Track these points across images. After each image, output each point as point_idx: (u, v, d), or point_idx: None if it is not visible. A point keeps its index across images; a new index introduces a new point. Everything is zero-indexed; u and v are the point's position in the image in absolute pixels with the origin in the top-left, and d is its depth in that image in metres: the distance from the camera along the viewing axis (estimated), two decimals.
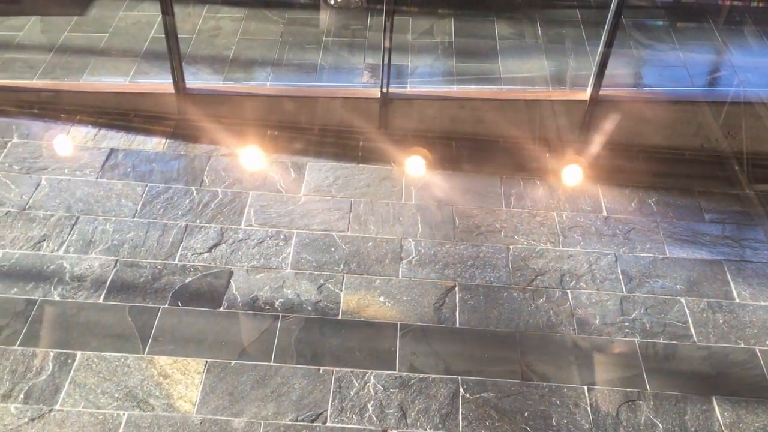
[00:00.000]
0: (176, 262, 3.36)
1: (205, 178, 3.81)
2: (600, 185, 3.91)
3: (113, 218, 3.54)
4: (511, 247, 3.54)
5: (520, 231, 3.62)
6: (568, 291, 3.34)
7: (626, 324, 3.20)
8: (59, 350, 2.93)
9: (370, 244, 3.52)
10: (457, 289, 3.32)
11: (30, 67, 4.43)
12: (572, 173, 3.95)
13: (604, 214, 3.75)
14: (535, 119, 4.12)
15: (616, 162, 4.08)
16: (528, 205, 3.77)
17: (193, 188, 3.75)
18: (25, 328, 3.00)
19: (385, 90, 4.05)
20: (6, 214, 3.50)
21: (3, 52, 4.54)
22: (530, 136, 4.15)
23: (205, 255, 3.40)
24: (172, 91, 4.10)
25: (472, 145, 4.14)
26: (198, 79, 4.33)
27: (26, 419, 2.69)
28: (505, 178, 3.93)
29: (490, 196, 3.82)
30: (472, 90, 4.31)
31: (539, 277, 3.40)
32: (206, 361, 2.95)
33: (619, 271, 3.45)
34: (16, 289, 3.16)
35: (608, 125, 4.13)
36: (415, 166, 3.97)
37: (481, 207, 3.75)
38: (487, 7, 5.21)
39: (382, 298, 3.26)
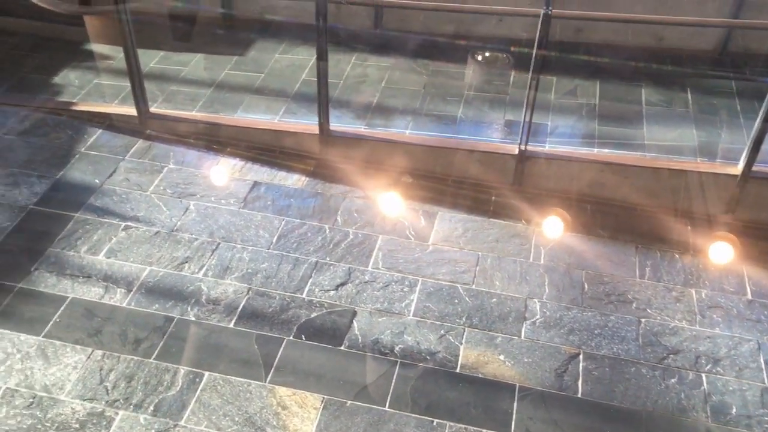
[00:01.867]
0: (304, 296, 3.46)
1: (338, 218, 3.93)
2: (745, 266, 3.68)
3: (250, 247, 3.71)
4: (642, 320, 3.38)
5: (654, 305, 3.46)
6: (703, 374, 3.14)
7: (767, 419, 2.96)
8: (189, 368, 3.08)
9: (495, 300, 3.48)
10: (581, 357, 3.21)
11: (191, 99, 4.78)
12: (715, 250, 3.74)
13: (749, 297, 3.51)
14: (678, 190, 3.95)
15: (766, 243, 3.84)
16: (664, 278, 3.60)
17: (326, 226, 3.88)
18: (162, 343, 3.19)
19: (523, 147, 4.04)
20: (156, 234, 3.76)
21: (169, 84, 4.95)
22: (672, 207, 3.98)
23: (332, 293, 3.49)
24: (317, 131, 4.29)
25: (609, 210, 4.03)
26: (341, 123, 4.51)
27: (153, 431, 2.85)
28: (641, 247, 3.78)
29: (624, 265, 3.68)
30: (613, 154, 4.21)
31: (672, 355, 3.22)
32: (323, 398, 3.00)
33: (762, 361, 3.20)
34: (157, 305, 3.37)
35: (760, 203, 3.89)
36: (547, 226, 3.91)
37: (613, 275, 3.62)
38: (636, 73, 5.12)
39: (502, 357, 3.20)
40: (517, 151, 4.11)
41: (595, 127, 4.57)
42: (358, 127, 4.53)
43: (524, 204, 4.10)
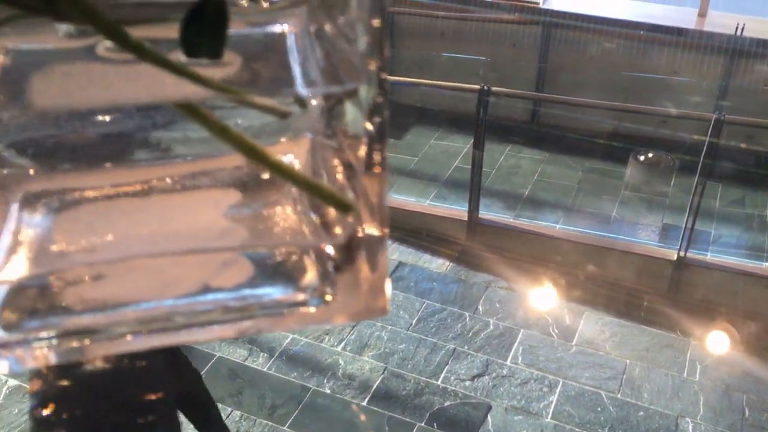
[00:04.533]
0: (439, 382, 3.40)
1: (479, 307, 3.87)
2: None
3: (389, 327, 3.73)
4: None
5: None
6: None
7: None
8: None
9: (642, 413, 3.24)
10: None
11: None
12: None
13: None
14: None
15: None
16: None
17: (467, 314, 3.83)
18: (296, 412, 3.23)
19: (682, 253, 3.84)
20: None
21: None
22: None
23: (467, 383, 3.40)
24: (465, 218, 4.30)
25: None
26: (490, 211, 4.51)
27: None
28: None
29: None
30: None
31: None
32: None
33: None
34: (295, 374, 3.44)
35: None
36: (704, 340, 3.64)
37: None
38: None
39: None
40: (675, 257, 3.90)
41: (765, 240, 4.27)
42: (507, 217, 4.51)
43: (680, 314, 3.85)
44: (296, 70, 0.42)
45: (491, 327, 3.74)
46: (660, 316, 3.82)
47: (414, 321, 3.77)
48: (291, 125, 0.43)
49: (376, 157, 0.42)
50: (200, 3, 0.34)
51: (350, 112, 0.43)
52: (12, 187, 0.42)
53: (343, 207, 0.43)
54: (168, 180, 0.43)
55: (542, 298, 3.95)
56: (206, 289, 0.43)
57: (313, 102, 0.43)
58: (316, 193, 0.43)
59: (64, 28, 0.38)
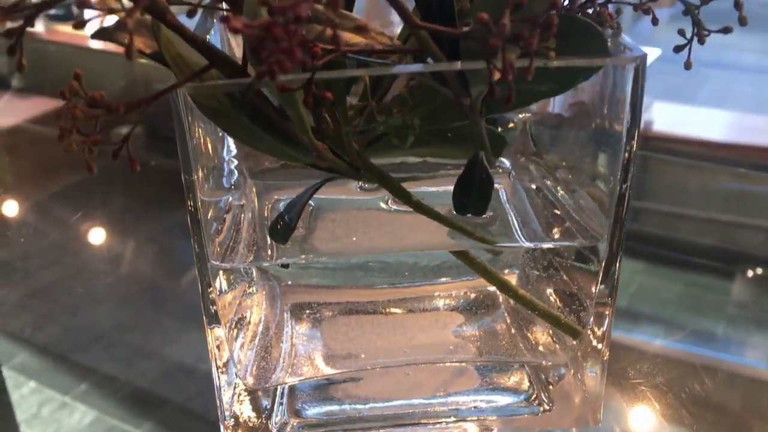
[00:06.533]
0: None
1: None
2: None
3: None
4: None
5: None
6: None
7: None
8: None
9: None
10: None
11: None
12: None
13: None
14: None
15: None
16: None
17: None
18: None
19: None
20: None
21: None
22: None
23: None
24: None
25: None
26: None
27: None
28: None
29: None
30: None
31: None
32: None
33: None
34: None
35: None
36: None
37: None
38: None
39: None
40: None
41: None
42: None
43: None
44: (514, 223, 0.48)
45: None
46: None
47: None
48: (499, 260, 0.51)
49: (606, 291, 0.49)
50: (471, 169, 0.39)
51: (585, 258, 0.49)
52: (286, 298, 0.51)
53: (573, 332, 0.50)
54: (408, 302, 0.52)
55: (639, 416, 3.70)
56: (443, 393, 0.52)
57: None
58: (550, 320, 0.50)
59: (355, 183, 0.48)
